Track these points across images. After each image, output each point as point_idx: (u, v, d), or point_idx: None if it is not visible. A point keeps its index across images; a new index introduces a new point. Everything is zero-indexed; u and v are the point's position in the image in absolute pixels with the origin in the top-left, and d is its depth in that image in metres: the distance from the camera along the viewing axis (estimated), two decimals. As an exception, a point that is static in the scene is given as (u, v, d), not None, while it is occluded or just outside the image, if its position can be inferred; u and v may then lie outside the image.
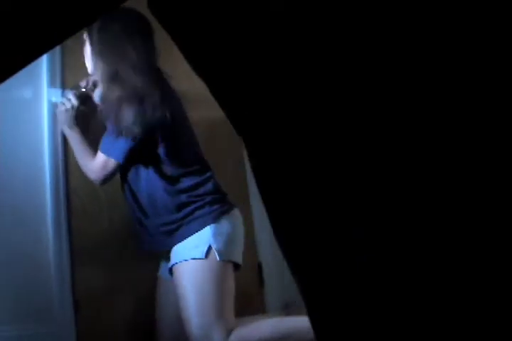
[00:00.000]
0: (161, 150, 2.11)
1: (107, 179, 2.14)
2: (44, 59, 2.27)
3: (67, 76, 2.40)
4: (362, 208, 0.53)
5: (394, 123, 0.51)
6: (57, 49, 2.25)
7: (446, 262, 0.50)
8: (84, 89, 2.24)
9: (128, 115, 2.01)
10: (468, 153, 0.50)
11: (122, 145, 2.07)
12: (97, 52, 2.11)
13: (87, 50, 2.16)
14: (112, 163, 2.10)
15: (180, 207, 2.12)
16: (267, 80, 0.56)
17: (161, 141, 2.10)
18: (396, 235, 0.52)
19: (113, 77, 2.07)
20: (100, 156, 2.11)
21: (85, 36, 2.16)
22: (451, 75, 0.50)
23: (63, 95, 2.27)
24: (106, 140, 2.11)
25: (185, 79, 2.41)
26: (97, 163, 2.11)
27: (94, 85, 2.23)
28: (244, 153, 2.91)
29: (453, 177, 0.50)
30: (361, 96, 0.52)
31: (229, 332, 2.06)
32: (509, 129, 0.49)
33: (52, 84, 2.34)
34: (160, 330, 2.23)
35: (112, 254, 2.36)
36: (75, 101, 2.21)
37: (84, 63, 2.21)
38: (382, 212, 0.52)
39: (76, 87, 2.24)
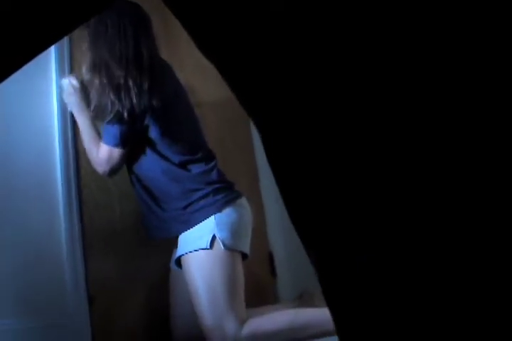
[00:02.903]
0: (155, 136, 2.14)
1: (115, 170, 2.17)
2: (52, 49, 2.27)
3: (75, 65, 2.41)
4: (362, 208, 0.53)
5: (391, 123, 0.51)
6: (65, 39, 2.26)
7: (447, 262, 0.50)
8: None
9: (110, 102, 2.06)
10: (469, 155, 0.50)
11: (115, 131, 2.10)
12: (88, 44, 2.16)
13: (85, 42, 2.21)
14: (116, 152, 2.13)
15: (183, 194, 2.15)
16: (270, 74, 0.56)
17: (154, 127, 2.12)
18: (396, 235, 0.52)
19: (96, 67, 2.12)
20: (104, 148, 2.14)
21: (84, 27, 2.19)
22: (451, 75, 0.50)
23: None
24: (104, 129, 2.16)
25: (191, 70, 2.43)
26: (102, 156, 2.14)
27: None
28: (255, 145, 2.94)
29: (453, 177, 0.50)
30: (361, 98, 0.52)
31: (242, 322, 2.06)
32: (509, 129, 0.48)
33: (60, 73, 2.34)
34: (173, 320, 2.24)
35: (125, 246, 2.38)
36: (75, 83, 2.23)
37: None
38: (383, 211, 0.52)
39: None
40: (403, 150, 0.51)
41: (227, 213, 2.14)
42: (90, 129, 2.20)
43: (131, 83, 2.06)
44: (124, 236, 2.38)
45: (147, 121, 2.11)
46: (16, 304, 2.00)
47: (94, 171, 2.25)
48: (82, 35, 2.20)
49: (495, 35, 0.49)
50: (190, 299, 2.10)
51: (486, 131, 0.49)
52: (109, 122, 2.09)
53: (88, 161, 2.29)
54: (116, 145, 2.12)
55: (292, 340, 2.08)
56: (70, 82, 2.24)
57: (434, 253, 0.51)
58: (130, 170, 2.23)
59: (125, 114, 2.05)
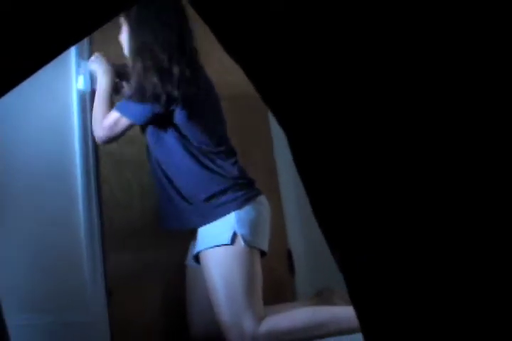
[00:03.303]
0: (180, 122, 2.15)
1: (113, 138, 2.20)
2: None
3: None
4: (362, 208, 0.53)
5: (392, 123, 0.51)
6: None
7: (447, 262, 0.50)
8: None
9: (152, 83, 2.09)
10: (469, 154, 0.50)
11: (140, 109, 2.14)
12: (131, 31, 2.22)
13: (124, 31, 2.26)
14: (124, 121, 2.16)
15: (204, 185, 2.15)
16: (280, 73, 0.58)
17: (180, 112, 2.14)
18: (396, 235, 0.52)
19: (141, 51, 2.17)
20: (113, 114, 2.17)
21: (123, 19, 2.25)
22: (452, 75, 0.50)
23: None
24: (123, 102, 2.19)
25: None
26: (108, 120, 2.16)
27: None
28: (274, 142, 2.93)
29: (453, 177, 0.50)
30: (360, 98, 0.53)
31: (260, 319, 2.06)
32: (509, 129, 0.49)
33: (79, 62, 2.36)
34: (190, 317, 2.24)
35: (143, 242, 2.39)
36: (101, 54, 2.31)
37: (113, 38, 2.31)
38: (383, 211, 0.53)
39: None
40: (402, 151, 0.52)
41: (247, 210, 2.15)
42: (107, 94, 2.24)
43: (174, 68, 2.11)
44: (143, 233, 2.39)
45: (174, 106, 2.12)
46: (36, 300, 2.02)
47: (114, 167, 2.26)
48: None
49: (495, 35, 0.49)
50: (208, 295, 2.11)
51: (486, 131, 0.50)
52: (139, 100, 2.12)
53: (108, 156, 2.30)
54: (129, 117, 2.15)
55: (310, 338, 2.08)
56: (97, 54, 2.31)
57: (434, 252, 0.51)
58: (152, 157, 2.23)
59: (163, 98, 2.08)
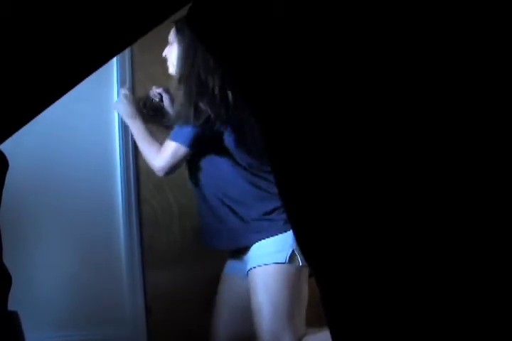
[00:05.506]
0: (230, 144, 2.14)
1: (174, 168, 2.17)
2: (114, 59, 2.35)
3: (137, 75, 2.48)
4: (362, 208, 0.54)
5: (392, 123, 0.52)
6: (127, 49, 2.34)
7: (447, 262, 0.50)
8: (157, 96, 2.34)
9: (199, 108, 2.08)
10: (468, 154, 0.50)
11: (188, 131, 2.11)
12: (183, 52, 2.19)
13: (174, 48, 2.24)
14: (182, 150, 2.13)
15: (260, 201, 2.13)
16: (274, 74, 0.58)
17: (231, 140, 2.13)
18: (396, 235, 0.52)
19: (189, 75, 2.14)
20: (170, 144, 2.15)
21: (172, 37, 2.24)
22: (451, 75, 0.50)
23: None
24: (174, 130, 2.17)
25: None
26: (166, 151, 2.14)
27: (161, 95, 2.34)
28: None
29: (452, 177, 0.50)
30: (360, 99, 0.53)
31: (299, 339, 2.04)
32: (509, 129, 0.49)
33: (122, 81, 2.40)
34: (214, 327, 2.22)
35: (182, 260, 2.41)
36: (126, 91, 2.30)
37: (154, 63, 2.33)
38: (383, 211, 0.53)
39: (146, 98, 2.34)
40: (403, 151, 0.52)
41: None
42: (145, 133, 2.22)
43: (229, 94, 2.08)
44: (182, 251, 2.41)
45: (223, 129, 2.12)
46: (77, 317, 2.05)
47: (154, 186, 2.28)
48: (145, 43, 2.26)
49: (495, 35, 0.49)
50: (239, 306, 2.10)
51: (485, 131, 0.49)
52: (184, 123, 2.11)
53: (149, 178, 2.33)
54: (185, 144, 2.12)
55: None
56: (121, 92, 2.32)
57: (434, 252, 0.51)
58: (200, 178, 2.22)
59: (217, 123, 2.08)
